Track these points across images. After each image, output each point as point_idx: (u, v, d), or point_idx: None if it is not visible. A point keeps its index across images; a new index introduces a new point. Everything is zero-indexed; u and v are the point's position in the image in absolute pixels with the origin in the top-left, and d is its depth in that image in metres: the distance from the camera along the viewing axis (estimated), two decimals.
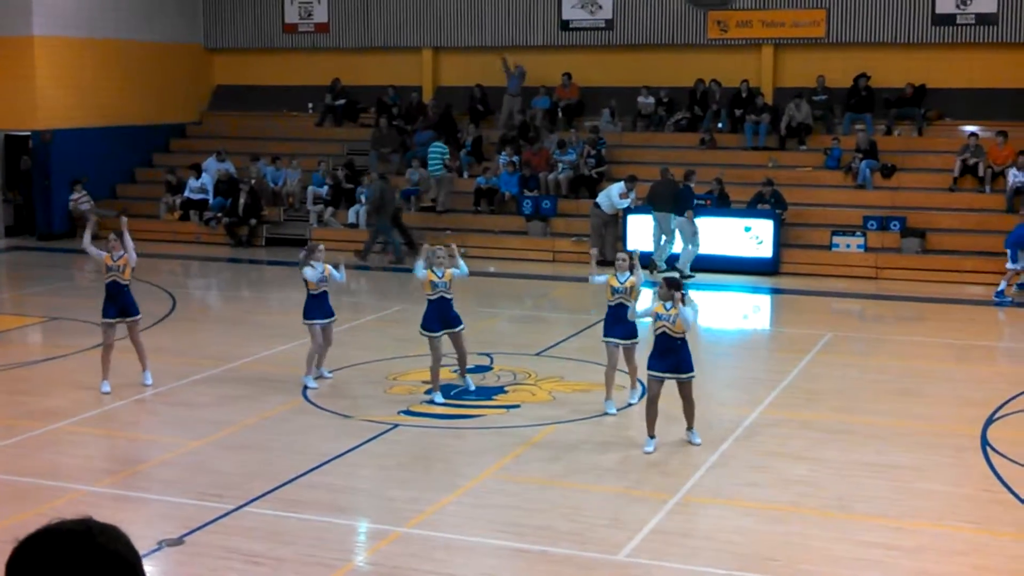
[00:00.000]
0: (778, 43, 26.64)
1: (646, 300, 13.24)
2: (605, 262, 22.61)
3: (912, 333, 18.05)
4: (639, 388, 13.25)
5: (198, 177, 27.09)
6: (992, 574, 8.98)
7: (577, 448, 11.80)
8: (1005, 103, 24.67)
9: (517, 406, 13.40)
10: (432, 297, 13.36)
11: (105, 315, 13.86)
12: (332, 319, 14.31)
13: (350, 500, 10.56)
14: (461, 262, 13.70)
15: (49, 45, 26.73)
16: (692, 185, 22.50)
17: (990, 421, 12.74)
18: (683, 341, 11.57)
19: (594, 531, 9.64)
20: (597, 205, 23.20)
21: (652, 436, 11.62)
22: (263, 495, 10.43)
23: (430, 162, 25.70)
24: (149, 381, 14.06)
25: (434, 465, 11.38)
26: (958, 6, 25.05)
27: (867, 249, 22.43)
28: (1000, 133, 23.44)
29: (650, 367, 11.66)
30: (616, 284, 12.94)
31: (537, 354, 15.93)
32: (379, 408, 13.23)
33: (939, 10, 25.23)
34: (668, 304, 11.53)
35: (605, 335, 12.95)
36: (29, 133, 26.96)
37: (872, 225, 22.66)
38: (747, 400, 13.72)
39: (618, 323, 12.77)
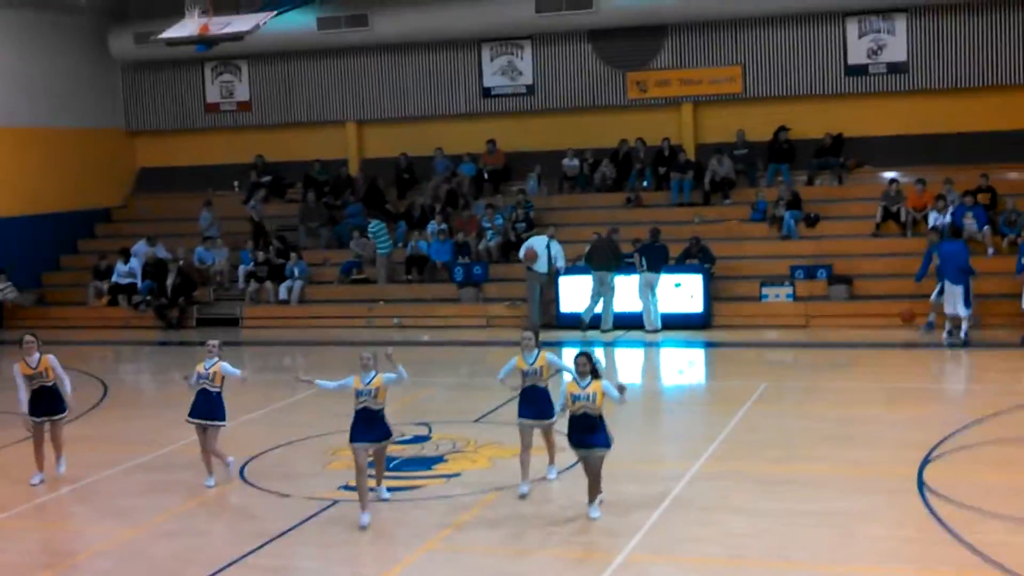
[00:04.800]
0: (697, 100, 27.06)
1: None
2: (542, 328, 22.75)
3: (845, 379, 18.24)
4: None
5: (126, 261, 26.84)
6: None
7: (519, 514, 11.72)
8: (920, 148, 25.23)
9: (458, 474, 13.32)
10: (358, 407, 11.74)
11: (32, 413, 13.49)
12: (206, 421, 13.05)
13: None
14: (399, 367, 11.84)
15: None
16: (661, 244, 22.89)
17: (925, 462, 12.87)
18: (602, 419, 11.25)
19: None
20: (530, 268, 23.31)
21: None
22: None
23: (378, 243, 25.62)
24: (62, 470, 13.71)
25: (377, 539, 11.25)
26: (869, 56, 25.64)
27: (796, 298, 22.71)
28: (919, 181, 23.91)
29: (572, 444, 11.38)
30: (525, 366, 12.27)
31: (475, 421, 15.87)
32: (319, 485, 13.07)
33: (851, 61, 25.80)
34: (584, 382, 11.19)
35: (519, 415, 12.38)
36: None
37: (799, 274, 22.96)
38: (686, 454, 13.75)
39: (531, 403, 12.25)
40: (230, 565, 10.59)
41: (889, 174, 25.08)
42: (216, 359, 13.11)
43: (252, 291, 26.10)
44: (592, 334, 22.47)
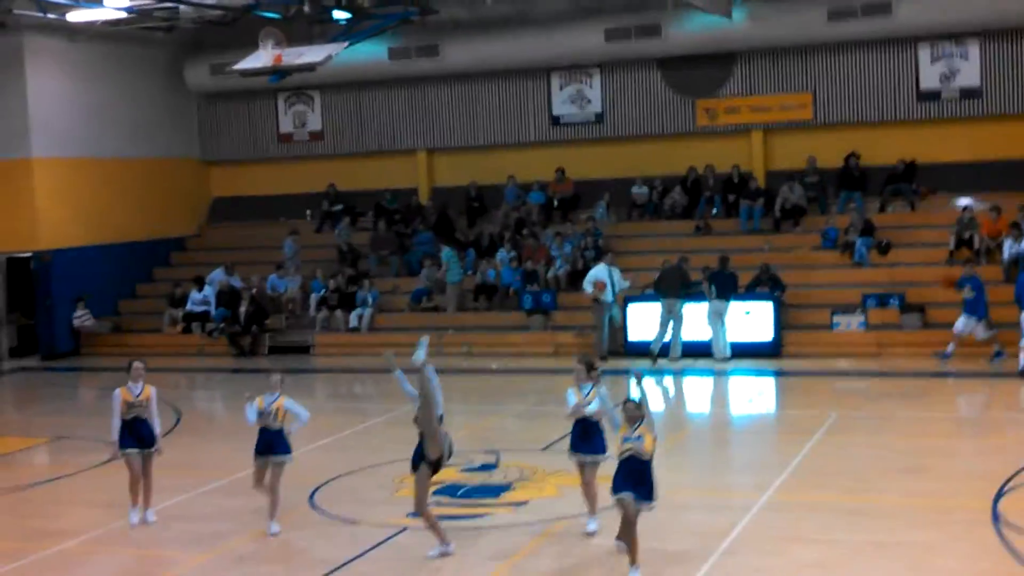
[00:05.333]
0: (767, 127, 26.96)
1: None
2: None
3: (918, 408, 18.01)
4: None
5: (200, 289, 27.27)
6: None
7: (586, 543, 11.70)
8: (994, 175, 24.87)
9: (525, 503, 13.34)
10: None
11: (124, 444, 13.01)
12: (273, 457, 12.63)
13: None
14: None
15: (48, 166, 27.11)
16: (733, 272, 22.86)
17: (1000, 494, 12.66)
18: (650, 466, 10.54)
19: None
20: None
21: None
22: None
23: (450, 271, 25.80)
24: (151, 518, 13.14)
25: (445, 566, 11.29)
26: (942, 81, 25.39)
27: (868, 327, 22.47)
28: (993, 208, 23.58)
29: (615, 490, 10.50)
30: (578, 398, 11.84)
31: (543, 449, 15.87)
32: (388, 512, 13.15)
33: (924, 86, 25.56)
34: (634, 426, 10.53)
35: (571, 448, 11.96)
36: (30, 254, 27.16)
37: (871, 302, 22.73)
38: (755, 484, 13.64)
39: (582, 438, 11.80)
40: None
41: (962, 201, 24.78)
42: (278, 394, 12.69)
43: (323, 319, 26.35)
44: (661, 363, 22.38)
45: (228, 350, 26.26)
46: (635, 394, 10.66)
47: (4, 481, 15.83)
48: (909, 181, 25.54)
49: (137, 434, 12.98)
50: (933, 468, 14.16)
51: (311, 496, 13.88)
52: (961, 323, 20.73)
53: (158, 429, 13.20)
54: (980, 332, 20.71)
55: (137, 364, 13.19)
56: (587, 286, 23.19)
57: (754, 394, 21.17)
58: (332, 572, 11.22)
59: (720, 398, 20.87)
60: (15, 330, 27.80)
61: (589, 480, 11.78)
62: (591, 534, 11.71)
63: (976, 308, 20.62)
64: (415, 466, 11.41)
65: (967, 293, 20.64)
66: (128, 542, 12.91)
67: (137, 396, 13.02)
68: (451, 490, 13.62)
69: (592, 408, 11.60)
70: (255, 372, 24.58)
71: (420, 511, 11.33)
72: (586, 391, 11.73)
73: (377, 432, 17.82)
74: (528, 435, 16.99)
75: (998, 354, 20.41)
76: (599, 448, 11.73)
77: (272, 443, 12.52)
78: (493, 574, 10.97)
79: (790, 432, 16.97)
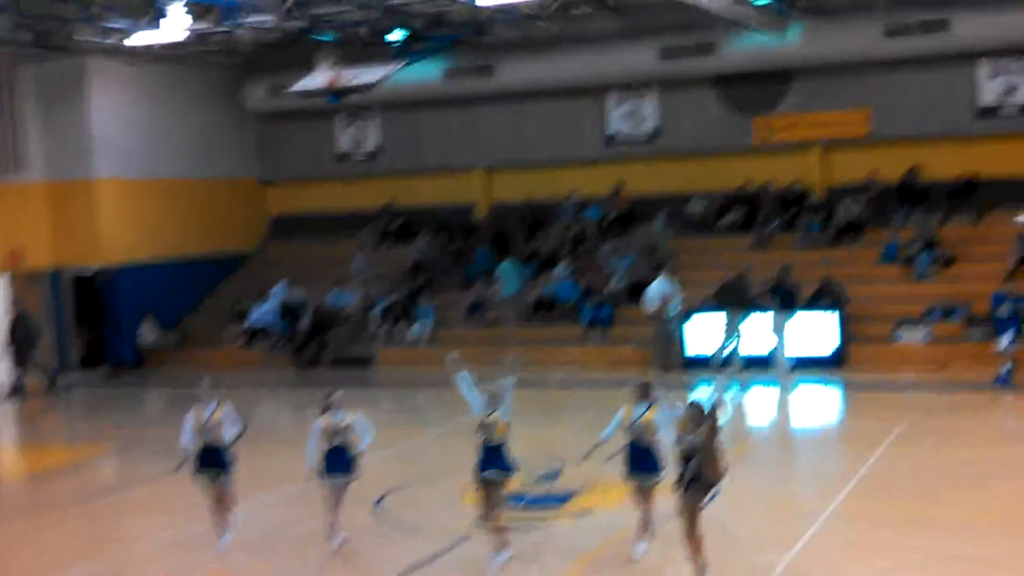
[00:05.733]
0: (825, 143, 26.85)
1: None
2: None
3: (985, 421, 17.83)
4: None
5: (262, 304, 27.55)
6: None
7: (650, 553, 11.68)
8: None
9: (588, 512, 13.36)
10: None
11: (197, 469, 12.57)
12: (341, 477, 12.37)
13: None
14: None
15: (111, 186, 27.59)
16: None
17: None
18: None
19: None
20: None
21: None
22: None
23: (504, 281, 25.92)
24: (226, 540, 12.63)
25: (508, 574, 11.32)
26: (1001, 97, 25.18)
27: (932, 339, 22.29)
28: None
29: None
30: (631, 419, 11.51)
31: (606, 461, 15.83)
32: (450, 521, 13.21)
33: (982, 103, 25.38)
34: (694, 427, 10.32)
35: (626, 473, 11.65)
36: (95, 271, 27.61)
37: (935, 316, 22.55)
38: (822, 495, 13.56)
39: (634, 460, 11.48)
40: None
41: (1021, 217, 24.46)
42: (342, 412, 12.44)
43: (384, 332, 26.53)
44: (723, 374, 22.27)
45: (290, 362, 26.48)
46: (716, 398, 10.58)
47: (74, 490, 16.09)
48: (970, 196, 25.32)
49: (209, 458, 12.53)
50: (1001, 481, 14.01)
51: (376, 504, 13.97)
52: (1004, 341, 20.15)
53: (231, 434, 12.73)
54: (1011, 347, 20.09)
55: (336, 396, 12.68)
56: (651, 302, 23.10)
57: (818, 406, 21.05)
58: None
59: (783, 410, 20.75)
60: (83, 343, 28.24)
61: (643, 501, 11.45)
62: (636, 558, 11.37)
63: (1017, 325, 20.26)
64: (491, 479, 11.45)
65: (1004, 312, 20.33)
66: (195, 550, 13.05)
67: (206, 420, 12.55)
68: (514, 499, 13.65)
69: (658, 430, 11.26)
70: (317, 385, 24.77)
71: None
72: (641, 411, 11.38)
73: (440, 443, 17.90)
74: (588, 445, 16.94)
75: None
76: (653, 468, 11.36)
77: (343, 460, 12.34)
78: None
79: (856, 443, 16.85)
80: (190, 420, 12.54)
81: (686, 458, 10.26)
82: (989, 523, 12.24)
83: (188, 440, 12.53)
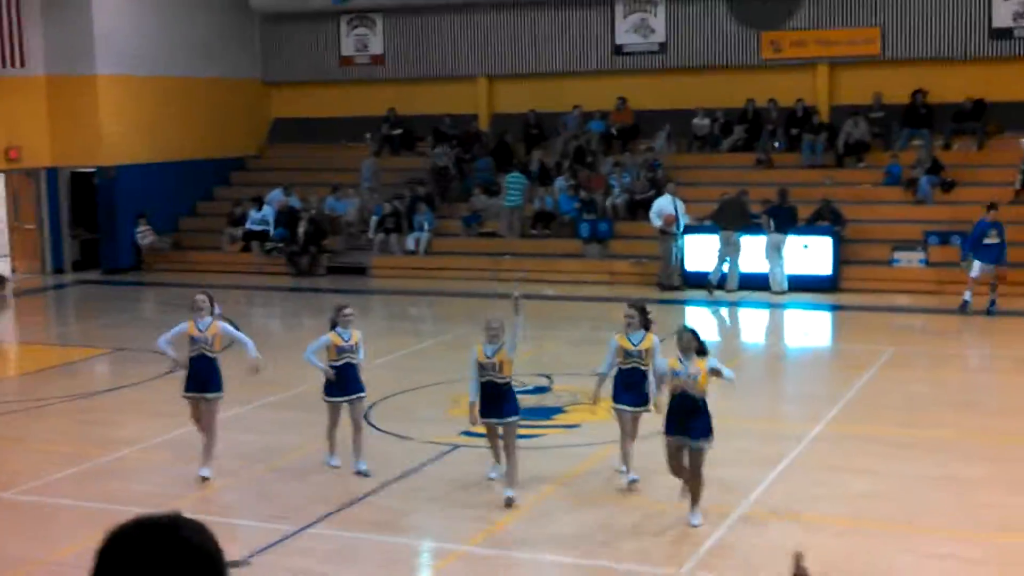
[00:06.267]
0: (833, 61, 26.56)
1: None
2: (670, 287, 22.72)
3: (976, 346, 17.87)
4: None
5: (260, 209, 27.47)
6: None
7: (637, 466, 11.75)
8: None
9: (577, 425, 13.44)
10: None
11: (186, 388, 11.83)
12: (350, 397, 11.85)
13: (413, 520, 10.63)
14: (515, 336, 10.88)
15: (111, 83, 27.29)
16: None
17: None
18: (704, 403, 9.93)
19: (658, 547, 9.64)
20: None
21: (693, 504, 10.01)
22: (327, 516, 10.54)
23: (509, 192, 25.80)
24: (206, 472, 11.67)
25: (496, 484, 11.42)
26: (1015, 19, 24.85)
27: (928, 264, 22.24)
28: None
29: (666, 430, 10.05)
30: (629, 347, 10.99)
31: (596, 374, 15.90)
32: (440, 430, 13.30)
33: (996, 24, 25.04)
34: (687, 358, 9.89)
35: (615, 400, 11.19)
36: (94, 170, 27.47)
37: (933, 240, 22.48)
38: (809, 415, 13.64)
39: (630, 389, 10.99)
40: (353, 504, 10.88)
41: None
42: (350, 330, 11.81)
43: (381, 241, 26.47)
44: (718, 294, 22.32)
45: (286, 269, 26.48)
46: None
47: (67, 389, 16.18)
48: (977, 119, 25.11)
49: (200, 377, 11.69)
50: (987, 404, 14.09)
51: (367, 412, 14.02)
52: (977, 269, 19.85)
53: (251, 349, 11.91)
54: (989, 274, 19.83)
55: (200, 297, 11.83)
56: (655, 218, 23.02)
57: (810, 327, 21.08)
58: (385, 485, 11.39)
59: (776, 330, 20.80)
60: (78, 244, 28.17)
61: (630, 431, 11.11)
62: (632, 482, 11.05)
63: (999, 255, 19.93)
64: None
65: (992, 239, 19.92)
66: (186, 452, 13.15)
67: (202, 331, 11.68)
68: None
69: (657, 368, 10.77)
70: (313, 291, 24.85)
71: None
72: (638, 339, 10.96)
73: (432, 354, 17.95)
74: (582, 360, 16.99)
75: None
76: (645, 398, 11.01)
77: (355, 380, 11.80)
78: (546, 492, 11.08)
79: (845, 366, 16.91)
80: (183, 328, 11.74)
81: (681, 395, 9.83)
82: (973, 445, 12.32)
83: (166, 344, 11.76)
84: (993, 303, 19.59)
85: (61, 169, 27.63)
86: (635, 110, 27.77)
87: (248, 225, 27.49)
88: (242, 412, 14.38)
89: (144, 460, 12.72)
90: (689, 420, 9.79)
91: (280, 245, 26.78)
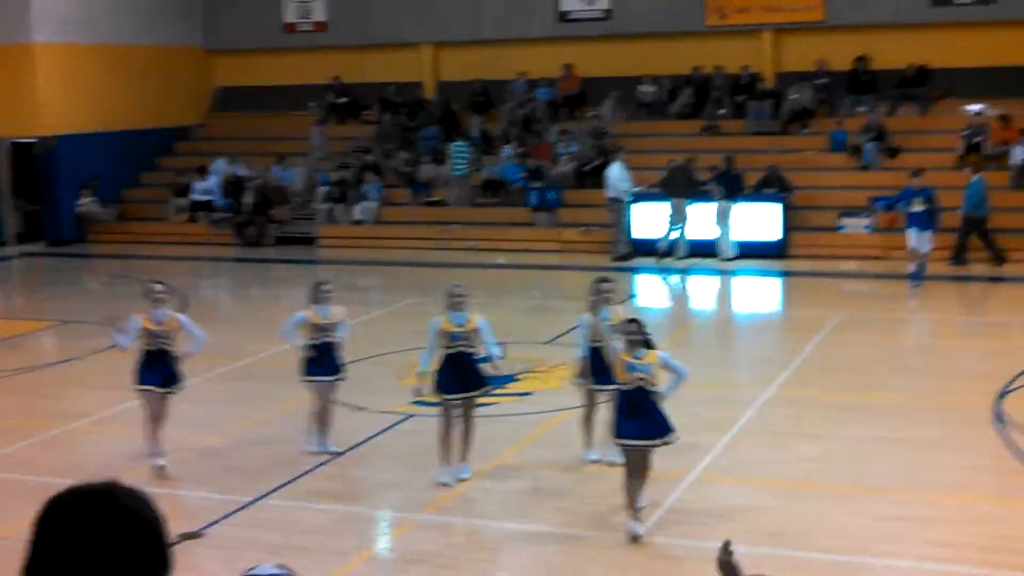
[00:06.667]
0: (777, 28, 26.65)
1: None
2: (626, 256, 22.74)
3: (922, 311, 18.08)
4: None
5: (204, 178, 27.17)
6: (1012, 543, 9.00)
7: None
8: (1008, 81, 24.62)
9: (529, 393, 13.47)
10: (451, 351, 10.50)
11: (142, 381, 11.05)
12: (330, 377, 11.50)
13: (367, 489, 10.62)
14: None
15: (50, 51, 26.78)
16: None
17: (1003, 395, 12.77)
18: (658, 393, 9.30)
19: (612, 512, 9.68)
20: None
21: (636, 518, 9.10)
22: (281, 487, 10.49)
23: (455, 162, 25.69)
24: (161, 463, 10.95)
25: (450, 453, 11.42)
26: None
27: (875, 230, 22.45)
28: (1002, 118, 23.40)
29: (621, 433, 9.17)
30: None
31: (547, 343, 15.96)
32: (393, 399, 13.27)
33: None
34: (639, 352, 9.15)
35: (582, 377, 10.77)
36: (34, 140, 27.01)
37: (879, 206, 22.67)
38: (759, 380, 13.75)
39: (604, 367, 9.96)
40: (306, 474, 10.84)
41: (973, 107, 24.55)
42: (329, 307, 11.49)
43: (328, 211, 26.29)
44: (667, 261, 22.42)
45: (233, 239, 26.24)
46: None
47: (12, 363, 15.97)
48: (920, 85, 25.32)
49: (160, 372, 11.01)
50: (936, 368, 14.28)
51: None
52: (914, 238, 19.49)
53: (197, 346, 11.32)
54: (925, 245, 19.47)
55: (157, 287, 11.16)
56: (622, 185, 22.90)
57: (759, 293, 21.24)
58: (343, 453, 11.36)
59: (724, 297, 20.95)
60: (21, 216, 27.72)
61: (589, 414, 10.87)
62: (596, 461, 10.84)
63: (929, 221, 19.69)
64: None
65: (918, 206, 19.58)
66: (132, 424, 13.02)
67: (160, 324, 11.01)
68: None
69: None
70: (260, 262, 24.67)
71: None
72: (607, 314, 10.27)
73: (382, 322, 17.89)
74: (533, 329, 17.06)
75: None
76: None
77: (335, 363, 11.53)
78: (499, 460, 11.10)
79: (794, 331, 17.07)
80: (137, 322, 10.99)
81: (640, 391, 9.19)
82: (921, 408, 12.48)
83: (128, 341, 10.98)
84: (918, 272, 19.29)
85: (0, 140, 27.13)
86: (581, 77, 27.72)
87: (193, 195, 27.19)
88: (192, 384, 14.24)
89: (92, 433, 12.59)
90: (647, 418, 9.09)
91: (227, 215, 26.52)
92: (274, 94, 30.33)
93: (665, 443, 9.23)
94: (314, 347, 11.34)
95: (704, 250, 22.52)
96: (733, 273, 21.73)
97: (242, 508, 9.99)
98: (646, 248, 22.83)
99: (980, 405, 12.33)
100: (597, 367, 10.34)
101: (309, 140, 27.95)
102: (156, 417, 11.02)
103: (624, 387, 9.15)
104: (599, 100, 27.18)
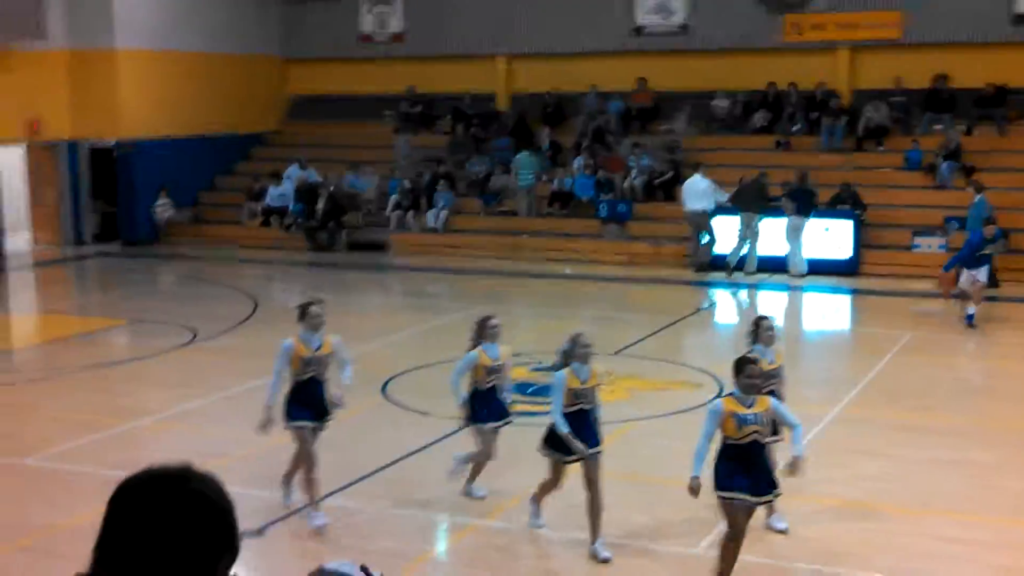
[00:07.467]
0: (854, 45, 26.43)
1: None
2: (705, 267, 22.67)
3: (994, 333, 17.79)
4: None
5: (279, 184, 27.51)
6: None
7: (655, 444, 11.80)
8: None
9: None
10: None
11: (295, 417, 9.80)
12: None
13: (429, 493, 10.67)
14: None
15: (130, 57, 27.32)
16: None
17: None
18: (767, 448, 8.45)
19: (671, 527, 9.66)
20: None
21: None
22: (342, 488, 10.58)
23: (521, 173, 25.78)
24: (320, 523, 9.67)
25: (514, 461, 11.44)
26: None
27: (949, 249, 22.13)
28: None
29: (725, 486, 8.10)
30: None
31: (614, 353, 15.94)
32: (454, 407, 13.29)
33: (1018, 9, 24.88)
34: (751, 399, 8.10)
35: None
36: (113, 144, 27.53)
37: (954, 225, 22.38)
38: (826, 398, 13.63)
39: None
40: (364, 478, 10.91)
41: None
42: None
43: (399, 218, 26.49)
44: (737, 276, 22.32)
45: (305, 245, 26.52)
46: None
47: (86, 358, 16.26)
48: (999, 105, 24.97)
49: (316, 403, 9.84)
50: (1004, 391, 14.06)
51: (383, 387, 14.09)
52: (967, 276, 17.68)
53: (348, 375, 10.04)
54: (983, 277, 17.80)
55: (315, 309, 9.85)
56: (718, 196, 22.83)
57: (829, 311, 21.05)
58: (401, 459, 11.43)
59: (794, 313, 20.78)
60: (98, 217, 28.27)
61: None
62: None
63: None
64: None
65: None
66: (204, 422, 13.22)
67: (315, 351, 9.80)
68: (521, 388, 13.77)
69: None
70: (331, 267, 24.89)
71: None
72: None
73: (451, 329, 17.97)
74: (600, 339, 16.97)
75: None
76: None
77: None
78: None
79: (863, 350, 16.89)
80: (287, 353, 9.80)
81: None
82: (987, 431, 12.31)
83: (275, 384, 9.81)
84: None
85: (81, 142, 27.69)
86: (654, 91, 27.68)
87: (268, 200, 27.53)
88: (262, 385, 14.40)
89: (160, 431, 12.80)
90: (757, 473, 8.20)
91: (299, 220, 26.82)
92: (348, 103, 30.65)
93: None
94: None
95: (775, 266, 22.37)
96: (803, 289, 21.56)
97: (301, 510, 10.07)
98: (717, 263, 22.74)
99: None
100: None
101: (394, 150, 28.17)
102: (311, 457, 9.74)
103: (736, 442, 8.05)
104: (671, 114, 27.12)
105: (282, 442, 12.04)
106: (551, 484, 9.51)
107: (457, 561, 9.35)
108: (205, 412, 13.52)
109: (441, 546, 9.88)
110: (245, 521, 8.54)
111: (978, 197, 20.62)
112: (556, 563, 9.27)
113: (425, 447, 11.81)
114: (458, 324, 18.29)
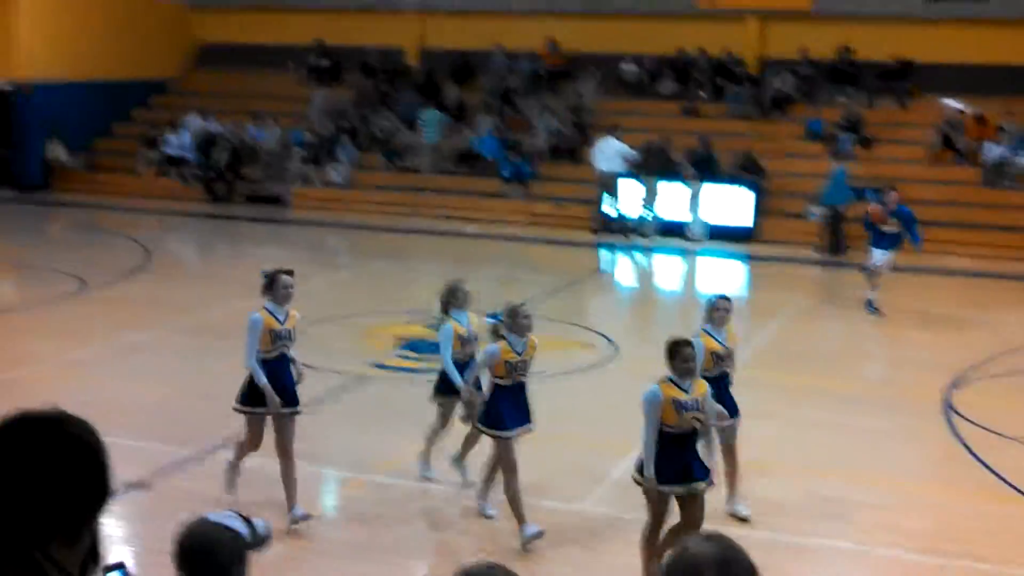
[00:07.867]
0: (763, 14, 26.58)
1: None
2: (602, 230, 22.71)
3: (887, 302, 18.06)
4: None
5: (177, 133, 26.93)
6: (953, 531, 9.04)
7: (553, 401, 11.77)
8: (992, 79, 24.58)
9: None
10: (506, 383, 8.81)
11: (507, 424, 8.74)
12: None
13: (317, 447, 10.54)
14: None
15: None
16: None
17: (955, 385, 12.83)
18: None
19: (559, 483, 9.67)
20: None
21: None
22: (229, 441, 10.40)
23: (426, 129, 25.55)
24: (300, 513, 8.87)
25: (405, 415, 11.37)
26: None
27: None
28: (978, 118, 23.42)
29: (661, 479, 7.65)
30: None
31: None
32: (351, 361, 13.20)
33: None
34: (688, 383, 7.76)
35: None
36: (8, 85, 26.67)
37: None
38: None
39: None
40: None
41: (949, 101, 24.49)
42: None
43: (301, 172, 26.11)
44: (635, 239, 22.41)
45: (202, 196, 26.02)
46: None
47: None
48: (902, 79, 25.31)
49: (279, 382, 8.90)
50: (894, 357, 14.34)
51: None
52: (881, 258, 16.61)
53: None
54: (888, 265, 16.80)
55: (287, 279, 8.95)
56: (628, 155, 22.81)
57: (725, 275, 21.24)
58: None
59: (690, 277, 20.95)
60: None
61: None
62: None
63: (897, 241, 16.82)
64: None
65: (892, 226, 16.65)
66: (91, 373, 12.93)
67: (282, 324, 8.96)
68: (415, 346, 13.67)
69: None
70: (228, 219, 24.49)
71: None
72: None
73: (348, 284, 17.82)
74: (499, 298, 16.95)
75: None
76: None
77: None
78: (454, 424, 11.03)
79: (757, 314, 17.03)
80: (257, 327, 8.84)
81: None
82: (878, 396, 12.52)
83: (259, 362, 8.83)
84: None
85: None
86: (564, 53, 27.57)
87: (165, 150, 26.94)
88: (152, 336, 14.16)
89: (45, 380, 12.48)
90: (686, 459, 7.80)
91: (196, 171, 26.30)
92: (254, 53, 30.03)
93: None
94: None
95: (674, 230, 22.51)
96: (699, 253, 21.73)
97: (189, 461, 9.91)
98: (619, 226, 22.80)
99: (934, 396, 12.36)
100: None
101: (310, 102, 27.66)
102: (258, 445, 9.14)
103: (678, 430, 7.64)
104: (580, 76, 27.07)
105: (173, 392, 11.83)
106: (439, 428, 9.75)
107: (342, 517, 9.25)
108: (95, 363, 13.22)
109: (328, 500, 9.77)
110: (130, 471, 8.33)
111: (838, 167, 20.92)
112: (441, 517, 9.21)
113: (315, 401, 11.66)
114: (359, 280, 18.18)
